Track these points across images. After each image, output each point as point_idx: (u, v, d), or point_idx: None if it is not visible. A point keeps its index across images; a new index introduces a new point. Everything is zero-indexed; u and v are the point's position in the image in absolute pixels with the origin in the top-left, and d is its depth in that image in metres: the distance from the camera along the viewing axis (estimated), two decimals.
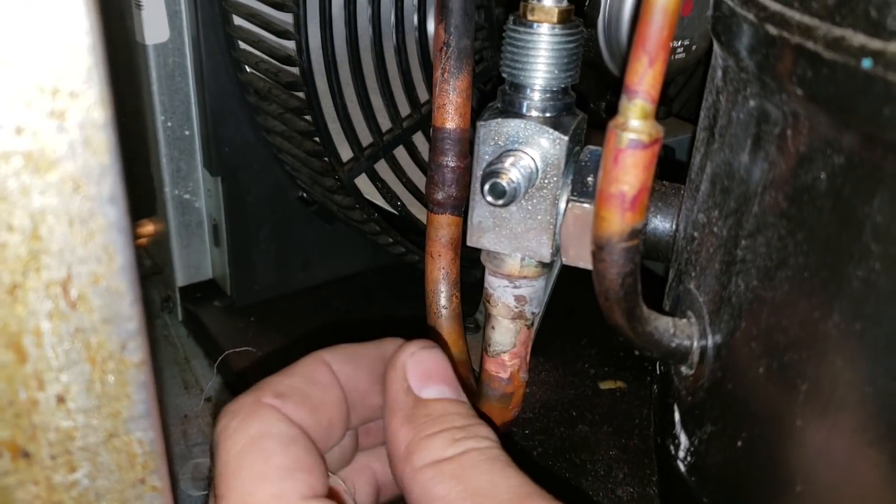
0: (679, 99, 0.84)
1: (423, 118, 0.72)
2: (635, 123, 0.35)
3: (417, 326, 0.81)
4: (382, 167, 0.73)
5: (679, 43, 0.69)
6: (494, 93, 0.74)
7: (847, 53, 0.28)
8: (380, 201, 0.75)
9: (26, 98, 0.24)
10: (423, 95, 0.72)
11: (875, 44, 0.28)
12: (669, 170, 0.77)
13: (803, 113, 0.31)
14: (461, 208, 0.64)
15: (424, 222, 0.75)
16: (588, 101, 0.74)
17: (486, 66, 0.73)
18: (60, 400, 0.29)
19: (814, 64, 0.29)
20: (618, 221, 0.37)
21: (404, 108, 0.72)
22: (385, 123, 0.72)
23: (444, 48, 0.60)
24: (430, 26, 0.73)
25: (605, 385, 0.76)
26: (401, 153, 0.73)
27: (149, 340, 0.30)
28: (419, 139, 0.74)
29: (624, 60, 0.70)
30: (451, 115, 0.63)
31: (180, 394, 0.77)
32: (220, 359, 0.77)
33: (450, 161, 0.63)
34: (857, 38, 0.28)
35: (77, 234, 0.27)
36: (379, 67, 0.68)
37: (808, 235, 0.32)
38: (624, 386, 0.76)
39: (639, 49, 0.34)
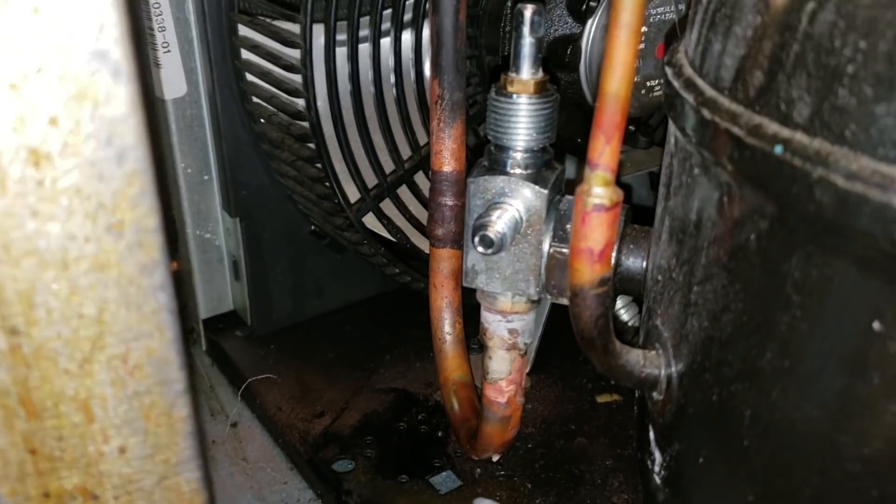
0: (662, 127, 0.90)
1: (423, 159, 0.78)
2: (598, 190, 0.41)
3: (425, 345, 0.87)
4: (387, 204, 0.79)
5: (656, 82, 0.75)
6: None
7: (763, 139, 0.34)
8: (386, 234, 0.81)
9: (92, 215, 0.31)
10: (422, 138, 0.78)
11: (785, 132, 0.33)
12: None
13: (735, 185, 0.37)
14: (460, 242, 0.70)
15: (426, 251, 0.81)
16: (575, 138, 0.80)
17: (479, 109, 0.79)
18: (122, 451, 0.35)
19: (739, 146, 0.35)
20: (588, 272, 0.43)
21: (405, 150, 0.78)
22: (388, 164, 0.78)
23: (439, 101, 0.66)
24: (427, 71, 0.79)
25: (602, 398, 0.82)
26: (403, 191, 0.79)
27: (194, 397, 0.37)
28: (419, 177, 0.80)
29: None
30: (447, 159, 0.69)
31: (207, 420, 0.84)
32: (243, 386, 0.83)
33: (448, 200, 0.69)
34: (772, 127, 0.34)
35: (134, 317, 0.33)
36: (381, 115, 0.74)
37: (745, 286, 0.38)
38: (619, 399, 0.81)
39: (597, 130, 0.40)
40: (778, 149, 0.33)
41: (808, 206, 0.32)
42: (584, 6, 0.70)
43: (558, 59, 0.73)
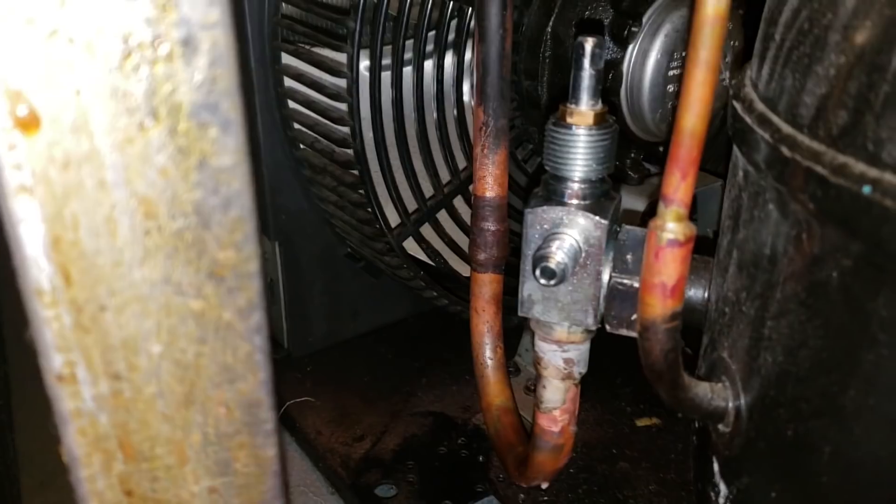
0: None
1: (462, 183, 0.78)
2: (671, 226, 0.41)
3: (460, 367, 0.87)
4: (426, 228, 0.80)
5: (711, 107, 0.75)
6: (525, 158, 0.80)
7: (850, 179, 0.34)
8: (424, 258, 0.81)
9: (195, 261, 0.31)
10: (461, 162, 0.79)
11: (873, 172, 0.34)
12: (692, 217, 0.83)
13: (815, 222, 0.37)
14: (502, 266, 0.71)
15: (465, 274, 0.81)
16: (615, 160, 0.80)
17: (518, 133, 0.79)
18: (211, 491, 0.35)
19: (822, 185, 0.35)
20: (660, 307, 0.43)
21: (445, 175, 0.78)
22: (427, 188, 0.78)
23: (484, 127, 0.67)
24: (467, 97, 0.79)
25: (642, 422, 0.82)
26: (443, 215, 0.80)
27: (279, 435, 0.37)
28: (459, 201, 0.80)
29: (645, 123, 0.76)
30: (490, 185, 0.69)
31: None
32: (281, 410, 0.83)
33: (490, 226, 0.69)
34: (859, 167, 0.34)
35: (229, 359, 0.33)
36: (422, 140, 0.75)
37: (825, 322, 0.38)
38: (659, 423, 0.81)
39: (672, 166, 0.40)
40: (867, 189, 0.33)
41: None
42: (626, 32, 0.71)
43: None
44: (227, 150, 0.30)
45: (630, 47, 0.71)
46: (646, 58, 0.71)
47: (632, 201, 0.80)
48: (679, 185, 0.40)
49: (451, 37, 0.75)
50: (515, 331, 0.87)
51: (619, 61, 0.72)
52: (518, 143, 0.81)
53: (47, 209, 0.28)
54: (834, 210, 0.35)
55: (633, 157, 0.80)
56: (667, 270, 0.42)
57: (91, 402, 0.32)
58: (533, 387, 0.61)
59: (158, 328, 0.31)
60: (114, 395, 0.32)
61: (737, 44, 0.73)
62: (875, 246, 0.34)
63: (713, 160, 0.89)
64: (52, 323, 0.30)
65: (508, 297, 0.75)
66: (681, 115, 0.39)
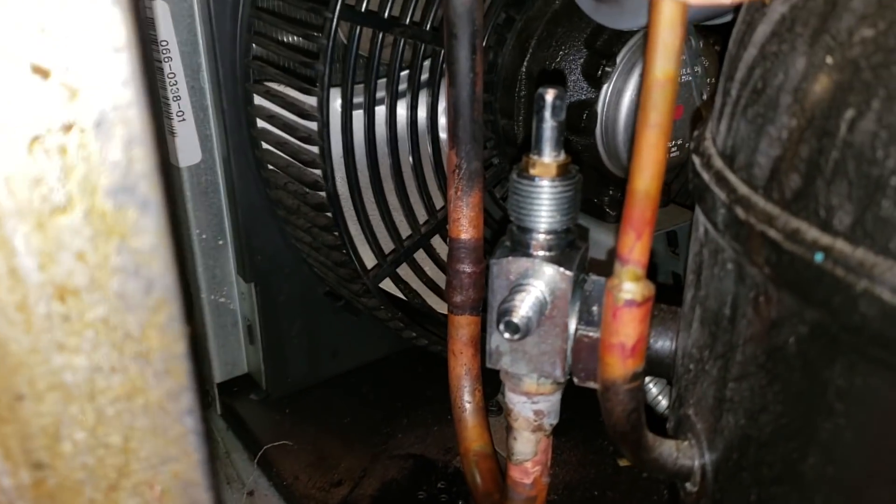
0: (678, 181, 0.89)
1: (440, 223, 0.78)
2: (629, 286, 0.40)
3: (442, 406, 0.86)
4: (403, 268, 0.79)
5: (673, 143, 0.74)
6: (504, 196, 0.79)
7: (802, 245, 0.33)
8: (402, 296, 0.80)
9: (118, 345, 0.30)
10: (438, 201, 0.78)
11: (825, 239, 0.33)
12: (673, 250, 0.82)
13: (772, 286, 0.36)
14: (479, 308, 0.69)
15: (444, 313, 0.80)
16: (592, 198, 0.79)
17: (495, 172, 0.79)
18: None
19: (776, 251, 0.34)
20: (620, 367, 0.42)
21: (421, 214, 0.77)
22: (404, 228, 0.77)
23: (457, 170, 0.66)
24: (442, 136, 0.78)
25: (624, 462, 0.80)
26: (420, 255, 0.79)
27: None
28: (436, 240, 0.79)
29: (620, 161, 0.75)
30: (465, 227, 0.68)
31: (223, 489, 0.82)
32: (259, 454, 0.82)
33: (466, 268, 0.68)
34: (811, 233, 0.33)
35: (161, 442, 0.32)
36: (397, 181, 0.74)
37: (784, 388, 0.37)
38: None
39: (627, 226, 0.39)
40: (818, 257, 0.32)
41: (851, 318, 0.31)
42: (600, 72, 0.70)
43: (574, 123, 0.73)
44: (147, 232, 0.29)
45: (604, 87, 0.71)
46: (620, 97, 0.71)
47: (610, 239, 0.79)
48: (634, 244, 0.39)
49: (425, 76, 0.75)
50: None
51: (594, 101, 0.71)
52: (496, 181, 0.80)
53: None
54: (788, 276, 0.34)
55: (611, 195, 0.79)
56: (625, 331, 0.41)
57: (11, 492, 0.31)
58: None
59: (82, 413, 0.30)
60: (35, 483, 0.31)
61: (712, 80, 0.72)
62: (829, 315, 0.33)
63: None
64: None
65: None
66: (633, 177, 0.38)
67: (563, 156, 0.50)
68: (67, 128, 0.27)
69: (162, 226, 0.29)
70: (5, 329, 0.28)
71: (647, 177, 0.37)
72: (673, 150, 0.75)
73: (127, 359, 0.30)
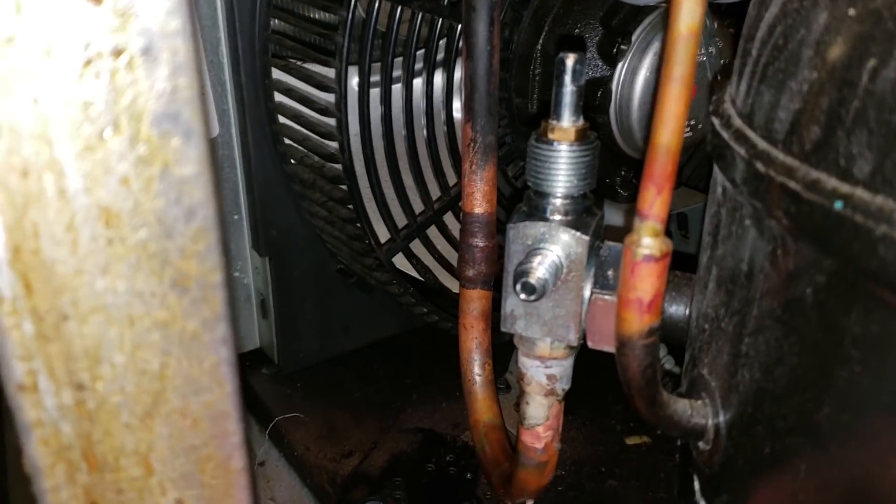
0: (689, 166, 0.90)
1: (453, 199, 0.78)
2: (647, 241, 0.41)
3: (451, 384, 0.87)
4: (416, 244, 0.80)
5: (686, 123, 0.75)
6: (517, 175, 0.80)
7: (822, 195, 0.34)
8: (414, 274, 0.81)
9: (158, 272, 0.31)
10: (451, 178, 0.79)
11: (845, 188, 0.33)
12: (683, 234, 0.82)
13: (790, 238, 0.37)
14: (490, 283, 0.70)
15: (455, 291, 0.81)
16: (604, 178, 0.80)
17: (508, 150, 0.79)
18: (179, 502, 0.35)
19: (795, 201, 0.35)
20: (637, 322, 0.43)
21: (434, 191, 0.78)
22: (417, 204, 0.78)
23: (472, 144, 0.67)
24: (457, 113, 0.79)
25: (632, 440, 0.81)
26: (433, 231, 0.80)
27: (249, 449, 0.36)
28: (449, 218, 0.80)
29: (634, 141, 0.76)
30: (479, 201, 0.69)
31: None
32: (270, 425, 0.83)
33: (479, 242, 0.69)
34: (831, 182, 0.34)
35: (195, 371, 0.33)
36: (412, 156, 0.75)
37: (800, 339, 0.38)
38: (649, 441, 0.81)
39: (647, 181, 0.40)
40: (838, 204, 0.33)
41: (870, 263, 0.32)
42: (615, 49, 0.71)
43: (588, 101, 0.73)
44: (190, 160, 0.30)
45: (619, 65, 0.71)
46: (635, 76, 0.71)
47: (622, 220, 0.80)
48: (654, 200, 0.40)
49: (441, 56, 0.76)
50: (507, 347, 0.87)
51: (608, 79, 0.72)
52: (509, 160, 0.81)
53: (7, 217, 0.28)
54: (807, 226, 0.35)
55: (623, 175, 0.80)
56: (643, 286, 0.42)
57: (54, 411, 0.31)
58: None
59: (121, 338, 0.31)
60: (77, 404, 0.31)
61: (725, 61, 0.73)
62: (847, 262, 0.34)
63: (703, 179, 0.89)
64: (12, 332, 0.30)
65: (498, 314, 0.75)
66: (655, 131, 0.39)
67: (581, 121, 0.50)
68: (117, 53, 0.28)
69: (204, 155, 0.30)
70: (53, 250, 0.29)
71: (668, 131, 0.38)
72: (686, 130, 0.75)
73: (166, 286, 0.31)
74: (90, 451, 0.32)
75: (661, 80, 0.38)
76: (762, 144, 0.38)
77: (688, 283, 0.51)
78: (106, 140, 0.28)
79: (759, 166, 0.37)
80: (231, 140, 0.80)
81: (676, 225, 0.85)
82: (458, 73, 0.76)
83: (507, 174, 0.81)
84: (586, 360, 0.63)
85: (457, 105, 0.80)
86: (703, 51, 0.72)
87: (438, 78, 0.76)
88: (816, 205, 0.34)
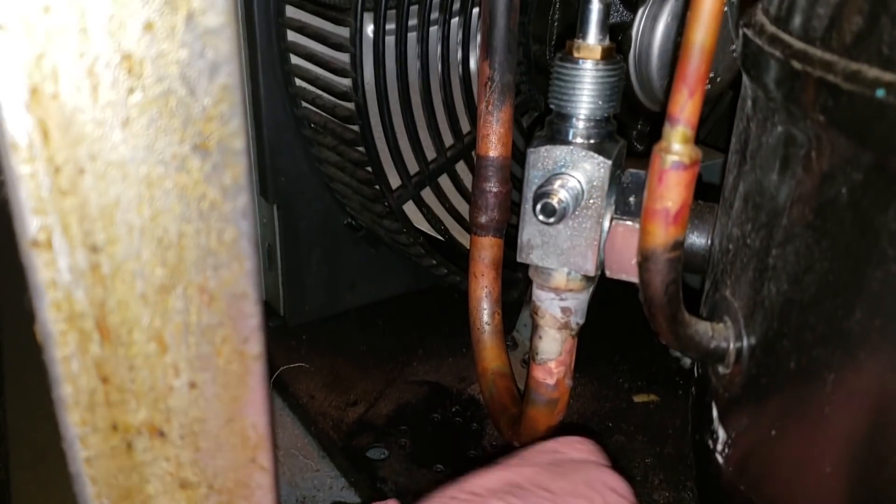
0: (705, 126, 0.89)
1: (466, 148, 0.77)
2: (677, 147, 0.40)
3: (457, 340, 0.86)
4: (427, 194, 0.78)
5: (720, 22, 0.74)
6: (532, 124, 0.79)
7: (863, 84, 0.33)
8: (425, 227, 0.80)
9: (179, 130, 0.30)
10: (465, 126, 0.78)
11: (887, 76, 0.32)
12: (698, 190, 0.81)
13: (825, 136, 0.36)
14: (503, 231, 0.69)
15: (466, 245, 0.80)
16: (620, 130, 0.79)
17: (524, 99, 0.78)
18: (192, 386, 0.34)
19: (834, 94, 0.34)
20: (662, 234, 0.42)
21: (448, 139, 0.77)
22: (430, 153, 0.77)
23: (489, 83, 0.65)
24: (473, 62, 0.78)
25: (639, 398, 0.80)
26: (444, 181, 0.79)
27: (265, 335, 0.35)
28: (461, 168, 0.79)
29: (653, 91, 0.75)
30: (494, 144, 0.68)
31: None
32: (275, 375, 0.82)
33: (493, 187, 0.68)
34: (872, 72, 0.33)
35: (214, 243, 0.32)
36: (426, 101, 0.74)
37: (832, 243, 0.37)
38: (657, 399, 0.80)
39: (680, 83, 0.39)
40: (880, 92, 0.32)
41: None
42: None
43: None
44: (216, 9, 0.29)
45: (640, 10, 0.70)
46: (655, 22, 0.70)
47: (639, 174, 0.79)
48: (686, 103, 0.39)
49: (457, 6, 0.75)
50: (514, 305, 0.86)
51: (629, 25, 0.71)
52: (524, 110, 0.80)
53: (25, 53, 0.27)
54: (846, 118, 0.34)
55: (640, 129, 0.79)
56: (670, 195, 0.40)
57: (67, 273, 0.30)
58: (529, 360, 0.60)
59: (139, 200, 0.30)
60: (91, 268, 0.30)
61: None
62: (888, 153, 0.33)
63: (720, 137, 0.88)
64: (28, 181, 0.29)
65: (508, 272, 0.74)
66: (690, 29, 0.38)
67: (608, 41, 0.50)
68: None
69: (231, 7, 0.29)
70: (73, 95, 0.28)
71: (703, 28, 0.37)
72: None
73: (186, 147, 0.30)
74: (103, 321, 0.31)
75: None
76: (798, 45, 0.37)
77: (710, 211, 0.50)
78: None
79: (796, 64, 0.36)
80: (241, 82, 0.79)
81: None
82: (474, 19, 0.75)
83: (522, 125, 0.80)
84: (595, 318, 0.62)
85: (473, 58, 0.79)
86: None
87: (455, 22, 0.75)
88: (856, 95, 0.33)
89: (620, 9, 0.71)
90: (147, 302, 0.32)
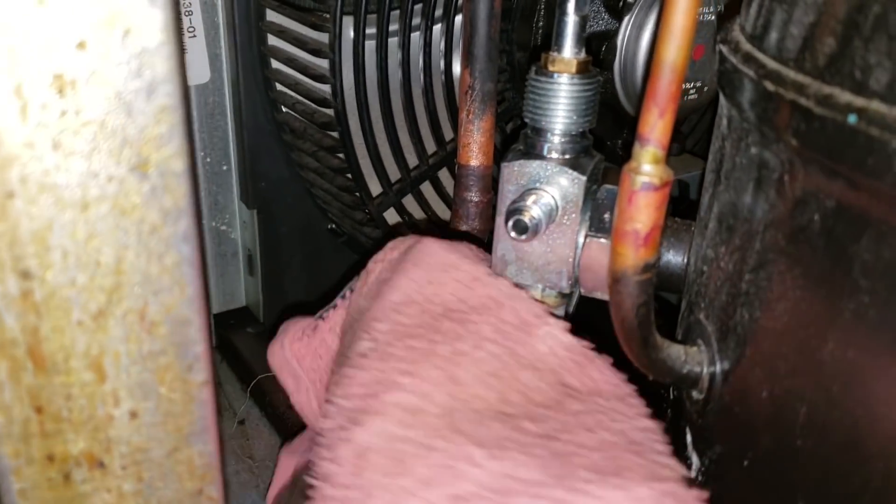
0: (692, 136, 0.88)
1: (448, 155, 0.76)
2: (647, 168, 0.38)
3: None
4: (409, 201, 0.77)
5: (691, 85, 0.72)
6: (516, 132, 0.78)
7: (835, 109, 0.32)
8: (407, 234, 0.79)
9: (116, 152, 0.28)
10: (447, 133, 0.76)
11: (860, 101, 0.31)
12: (682, 206, 0.80)
13: (798, 161, 0.34)
14: (484, 240, 0.68)
15: None
16: (605, 140, 0.78)
17: (508, 107, 0.77)
18: (132, 415, 0.33)
19: (806, 118, 0.33)
20: (632, 256, 0.40)
21: (430, 146, 0.76)
22: (412, 160, 0.76)
23: (470, 91, 0.64)
24: (456, 69, 0.77)
25: None
26: (426, 188, 0.77)
27: (211, 362, 0.34)
28: (444, 174, 0.78)
29: (639, 101, 0.74)
30: (475, 153, 0.67)
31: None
32: (252, 383, 0.81)
33: (473, 196, 0.66)
34: (844, 96, 0.32)
35: (154, 268, 0.31)
36: (407, 108, 0.72)
37: (805, 271, 0.35)
38: None
39: (650, 101, 0.37)
40: (852, 118, 0.31)
41: (885, 179, 0.30)
42: (621, 3, 0.68)
43: (592, 56, 0.71)
44: (154, 27, 0.27)
45: (625, 19, 0.69)
46: (641, 31, 0.69)
47: None
48: (656, 122, 0.38)
49: (440, 12, 0.73)
50: None
51: (614, 33, 0.70)
52: (508, 117, 0.79)
53: None
54: (818, 144, 0.33)
55: (625, 138, 0.78)
56: (640, 217, 0.39)
57: None
58: None
59: (74, 224, 0.29)
60: (23, 295, 0.29)
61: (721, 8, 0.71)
62: (860, 182, 0.32)
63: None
64: None
65: None
66: (660, 46, 0.37)
67: (584, 54, 0.48)
68: None
69: (171, 22, 0.27)
70: (1, 116, 0.27)
71: (674, 45, 0.36)
72: (692, 92, 0.73)
73: (124, 168, 0.29)
74: (37, 348, 0.30)
75: None
76: (772, 64, 0.36)
77: (687, 230, 0.49)
78: None
79: (769, 85, 0.35)
80: (223, 86, 0.77)
81: (678, 191, 0.83)
82: (457, 26, 0.74)
83: (506, 132, 0.79)
84: (576, 330, 0.61)
85: (457, 64, 0.78)
86: (710, 9, 0.69)
87: (438, 28, 0.73)
88: (828, 120, 0.32)
89: (605, 17, 0.69)
90: (84, 329, 0.31)
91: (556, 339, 0.47)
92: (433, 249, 0.53)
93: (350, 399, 0.44)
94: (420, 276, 0.51)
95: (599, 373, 0.46)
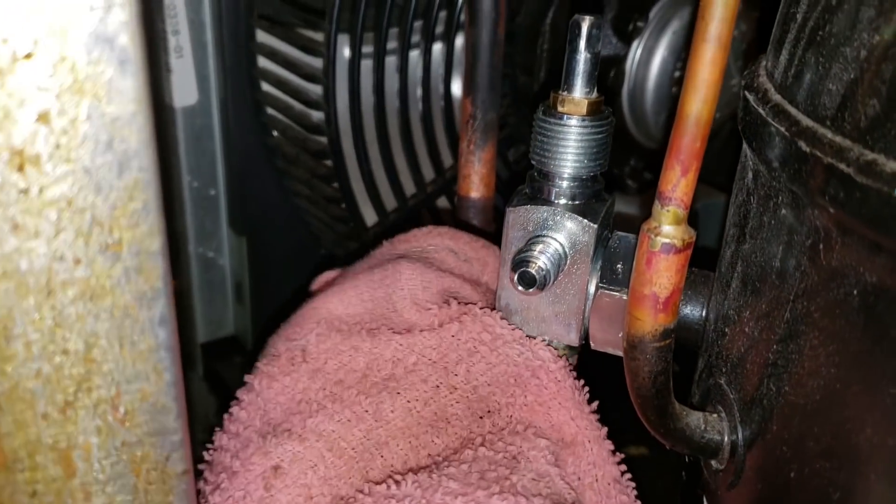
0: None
1: (447, 183, 0.73)
2: (668, 229, 0.36)
3: None
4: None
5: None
6: (518, 160, 0.75)
7: (879, 179, 0.29)
8: None
9: (85, 233, 0.25)
10: (447, 160, 0.73)
11: None
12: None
13: (835, 230, 0.31)
14: None
15: None
16: (612, 167, 0.75)
17: (510, 133, 0.74)
18: None
19: (846, 185, 0.30)
20: (650, 322, 0.37)
21: (428, 173, 0.73)
22: (409, 186, 0.73)
23: (471, 121, 0.61)
24: (456, 90, 0.74)
25: (628, 451, 0.76)
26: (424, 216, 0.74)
27: (191, 450, 0.31)
28: (442, 202, 0.75)
29: (647, 127, 0.71)
30: (475, 184, 0.64)
31: (199, 451, 0.78)
32: None
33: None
34: (890, 165, 0.29)
35: (127, 355, 0.27)
36: (405, 134, 0.69)
37: (841, 348, 0.32)
38: (647, 452, 0.75)
39: (672, 159, 0.35)
40: None
41: None
42: (631, 27, 0.66)
43: (599, 81, 0.68)
44: (125, 96, 0.24)
45: (634, 44, 0.66)
46: (651, 56, 0.66)
47: (631, 211, 0.75)
48: (679, 181, 0.35)
49: (441, 29, 0.70)
50: None
51: (623, 58, 0.67)
52: (510, 143, 0.76)
53: None
54: (859, 215, 0.30)
55: (633, 165, 0.75)
56: (659, 280, 0.36)
57: None
58: None
59: (38, 311, 0.26)
60: None
61: (745, 46, 0.68)
62: None
63: (719, 173, 0.84)
64: None
65: None
66: (685, 100, 0.34)
67: (595, 93, 0.45)
68: None
69: (142, 92, 0.24)
70: None
71: (699, 99, 0.33)
72: None
73: (93, 250, 0.26)
74: None
75: (693, 41, 0.33)
76: (806, 121, 0.33)
77: (705, 281, 0.46)
78: (19, 61, 0.23)
79: (803, 145, 0.32)
80: (210, 108, 0.74)
81: None
82: (458, 46, 0.71)
83: (508, 159, 0.76)
84: (582, 367, 0.58)
85: (456, 86, 0.75)
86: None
87: (438, 48, 0.70)
88: (872, 190, 0.29)
89: (614, 41, 0.67)
90: (50, 421, 0.28)
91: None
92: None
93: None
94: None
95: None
